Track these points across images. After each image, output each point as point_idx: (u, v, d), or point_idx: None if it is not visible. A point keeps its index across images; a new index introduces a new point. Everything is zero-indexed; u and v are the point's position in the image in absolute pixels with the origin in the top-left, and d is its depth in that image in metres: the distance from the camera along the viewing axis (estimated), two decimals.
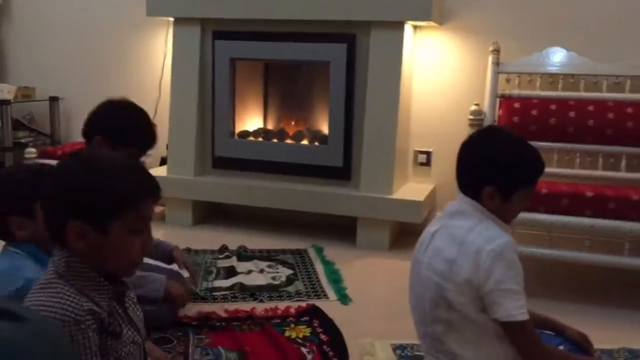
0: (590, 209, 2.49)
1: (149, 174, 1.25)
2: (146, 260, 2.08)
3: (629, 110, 2.90)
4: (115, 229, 1.14)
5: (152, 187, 1.21)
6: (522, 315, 1.44)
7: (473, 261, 1.46)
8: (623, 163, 2.94)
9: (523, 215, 2.50)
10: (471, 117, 3.12)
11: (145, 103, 3.93)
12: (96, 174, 1.15)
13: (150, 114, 3.89)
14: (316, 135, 3.50)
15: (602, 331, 2.27)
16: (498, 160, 1.53)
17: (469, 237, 1.50)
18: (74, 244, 1.14)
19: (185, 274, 2.31)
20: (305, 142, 3.50)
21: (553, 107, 2.99)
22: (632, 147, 2.90)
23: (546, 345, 1.52)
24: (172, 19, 3.56)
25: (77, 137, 4.18)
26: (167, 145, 3.63)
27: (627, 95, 2.95)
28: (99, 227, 1.14)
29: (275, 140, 3.53)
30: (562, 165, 3.04)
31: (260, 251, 3.07)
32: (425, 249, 1.61)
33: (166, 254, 2.24)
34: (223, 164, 3.53)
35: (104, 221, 1.14)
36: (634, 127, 2.87)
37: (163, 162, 3.81)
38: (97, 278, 1.17)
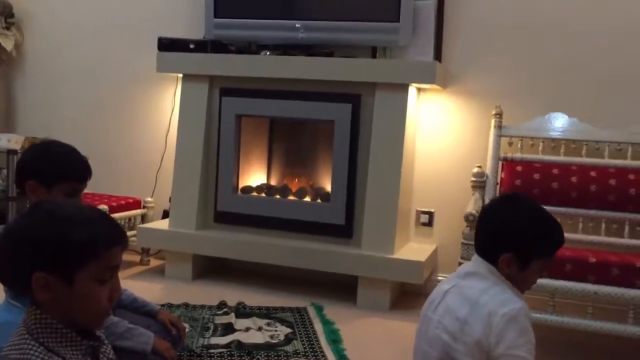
0: (593, 274, 2.47)
1: (114, 222, 1.23)
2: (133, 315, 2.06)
3: (631, 177, 2.91)
4: (81, 279, 1.12)
5: (118, 235, 1.19)
6: None
7: (485, 323, 1.44)
8: (626, 229, 2.94)
9: None
10: (474, 179, 3.15)
11: (151, 156, 4.01)
12: (60, 224, 1.13)
13: (155, 167, 3.97)
14: (319, 193, 3.52)
15: None
16: (519, 227, 1.53)
17: (482, 299, 1.48)
18: (39, 296, 1.12)
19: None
20: (307, 199, 3.51)
21: (555, 171, 3.01)
22: (634, 213, 2.90)
23: None
24: (181, 75, 3.63)
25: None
26: (169, 198, 3.64)
27: (629, 162, 2.97)
28: (65, 278, 1.11)
29: (278, 197, 3.54)
30: (565, 230, 3.02)
31: (259, 308, 3.03)
32: (435, 307, 1.59)
33: (152, 315, 2.18)
34: (225, 218, 3.53)
35: (69, 271, 1.12)
36: (636, 194, 2.88)
37: (165, 215, 3.81)
38: (69, 334, 1.14)
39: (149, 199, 3.91)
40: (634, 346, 2.70)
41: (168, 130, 3.91)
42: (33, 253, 1.11)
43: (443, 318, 1.54)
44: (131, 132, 4.11)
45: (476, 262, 1.58)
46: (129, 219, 3.76)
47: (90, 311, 1.16)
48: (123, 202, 3.75)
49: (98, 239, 1.14)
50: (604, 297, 2.47)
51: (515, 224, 1.54)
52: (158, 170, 3.98)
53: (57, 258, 1.11)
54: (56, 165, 1.86)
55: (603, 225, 2.97)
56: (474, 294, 1.51)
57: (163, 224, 3.61)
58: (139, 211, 3.84)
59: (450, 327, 1.51)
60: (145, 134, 4.06)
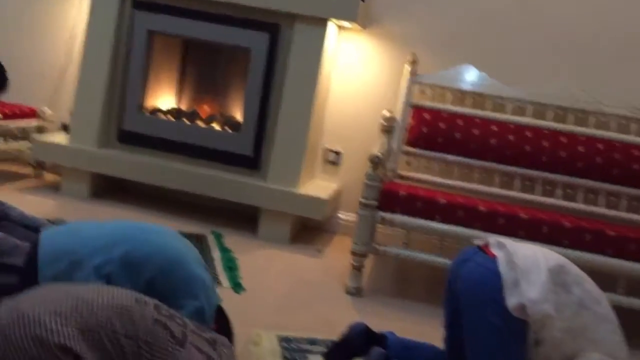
0: (480, 222, 2.60)
1: None
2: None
3: (528, 134, 3.07)
4: None
5: None
6: None
7: None
8: (517, 184, 3.12)
9: (419, 222, 2.59)
10: (383, 122, 3.19)
11: (53, 65, 3.75)
12: None
13: (57, 75, 3.72)
14: (229, 122, 3.46)
15: None
16: None
17: None
18: None
19: None
20: (217, 126, 3.45)
21: (460, 122, 3.11)
22: (527, 169, 3.08)
23: None
24: None
25: None
26: (70, 112, 3.45)
27: (528, 120, 3.12)
28: None
29: (186, 121, 3.44)
30: (461, 180, 3.18)
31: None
32: None
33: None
34: (129, 138, 3.40)
35: None
36: (531, 150, 3.04)
37: (65, 129, 3.62)
38: None
39: (48, 110, 3.69)
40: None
41: (73, 37, 3.67)
42: None
43: None
44: (32, 36, 3.82)
45: None
46: (23, 129, 3.54)
47: None
48: (17, 110, 3.51)
49: None
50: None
51: None
52: (59, 80, 3.75)
53: None
54: None
55: (497, 178, 3.14)
56: None
57: (62, 138, 3.43)
58: (34, 121, 3.62)
59: None
60: (47, 41, 3.79)
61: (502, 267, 1.63)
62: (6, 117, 3.34)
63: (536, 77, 3.19)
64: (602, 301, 1.67)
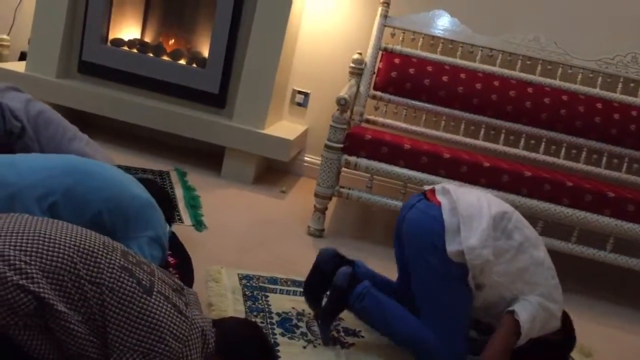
0: (445, 169, 2.63)
1: None
2: None
3: (496, 83, 3.08)
4: None
5: None
6: None
7: None
8: (482, 133, 3.14)
9: (383, 166, 2.60)
10: (352, 65, 3.16)
11: None
12: None
13: (14, 2, 3.55)
14: (195, 57, 3.36)
15: None
16: None
17: None
18: None
19: None
20: (183, 62, 3.35)
21: (429, 68, 3.10)
22: (492, 118, 3.10)
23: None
24: None
25: None
26: (29, 40, 3.31)
27: (496, 69, 3.12)
28: None
29: (151, 55, 3.34)
30: (428, 127, 3.19)
31: (119, 166, 2.93)
32: None
33: None
34: (90, 70, 3.29)
35: None
36: (497, 99, 3.06)
37: (22, 57, 3.48)
38: None
39: (5, 36, 3.53)
40: None
41: None
42: None
43: None
44: None
45: None
46: None
47: None
48: None
49: None
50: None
51: None
52: (17, 6, 3.57)
53: None
54: None
55: (462, 126, 3.15)
56: None
57: (19, 66, 3.30)
58: None
59: None
60: None
61: (445, 214, 1.68)
62: None
63: (507, 26, 3.17)
64: (539, 246, 1.74)
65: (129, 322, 1.19)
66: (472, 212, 1.68)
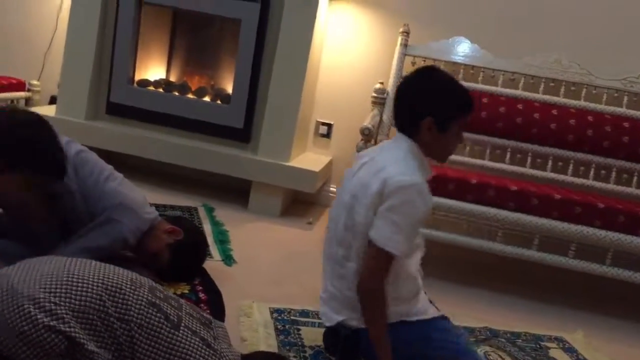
0: (472, 194, 2.61)
1: None
2: None
3: (519, 106, 3.06)
4: None
5: None
6: (388, 247, 1.56)
7: (381, 184, 1.57)
8: (507, 157, 3.12)
9: None
10: (374, 94, 3.18)
11: (40, 36, 3.69)
12: None
13: (44, 48, 3.67)
14: (219, 94, 3.42)
15: (469, 310, 2.42)
16: (434, 91, 1.65)
17: (388, 167, 1.60)
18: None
19: None
20: (207, 99, 3.41)
21: None
22: (518, 141, 3.08)
23: (383, 289, 1.61)
24: None
25: None
26: (58, 84, 3.41)
27: (519, 92, 3.11)
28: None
29: (176, 94, 3.41)
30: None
31: (150, 204, 2.97)
32: (350, 178, 1.71)
33: None
34: (118, 110, 3.37)
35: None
36: (522, 122, 3.04)
37: (53, 101, 3.58)
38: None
39: (35, 82, 3.64)
40: (538, 270, 2.91)
41: (60, 9, 3.61)
42: None
43: (353, 185, 1.67)
44: (18, 6, 3.74)
45: (396, 137, 1.70)
46: (11, 101, 3.50)
47: None
48: (5, 82, 3.47)
49: None
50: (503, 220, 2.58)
51: (431, 88, 1.66)
52: (47, 52, 3.69)
53: None
54: None
55: (488, 151, 3.14)
56: (383, 163, 1.62)
57: (50, 110, 3.39)
58: (22, 93, 3.58)
59: (355, 190, 1.65)
60: (34, 11, 3.72)
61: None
62: None
63: (528, 49, 3.17)
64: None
65: (158, 358, 1.19)
66: None
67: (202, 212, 3.03)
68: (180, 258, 2.10)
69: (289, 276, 2.47)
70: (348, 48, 3.43)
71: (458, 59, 3.18)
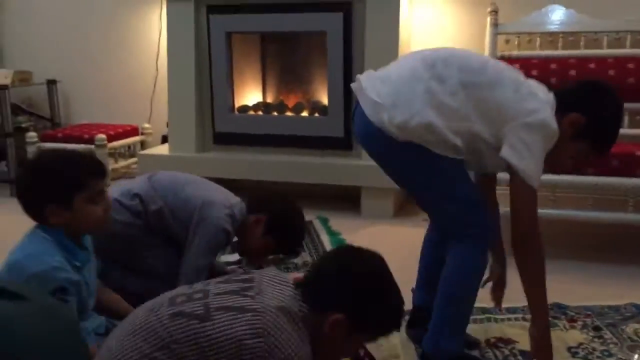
0: (592, 167, 2.48)
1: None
2: None
3: (630, 65, 2.87)
4: None
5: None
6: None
7: None
8: (625, 119, 2.93)
9: None
10: None
11: (143, 82, 3.95)
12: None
13: (149, 92, 3.92)
14: (316, 107, 3.49)
15: (609, 288, 2.29)
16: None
17: None
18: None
19: None
20: (305, 113, 3.49)
21: (554, 66, 2.96)
22: (633, 102, 2.88)
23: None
24: None
25: (77, 119, 4.18)
26: (167, 123, 3.62)
27: (627, 51, 2.92)
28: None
29: (275, 114, 3.51)
30: None
31: None
32: None
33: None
34: (224, 139, 3.52)
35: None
36: (635, 82, 2.85)
37: (164, 140, 3.81)
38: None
39: (146, 125, 3.90)
40: (634, 235, 2.76)
41: (158, 54, 3.84)
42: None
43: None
44: (120, 58, 4.03)
45: None
46: (129, 147, 3.76)
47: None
48: (121, 130, 3.74)
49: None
50: (604, 187, 2.50)
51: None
52: (152, 96, 3.94)
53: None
54: None
55: None
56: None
57: (163, 149, 3.61)
58: (137, 138, 3.84)
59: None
60: (134, 60, 3.99)
61: (368, 112, 1.63)
62: (111, 138, 3.56)
63: (628, 6, 2.97)
64: (486, 68, 1.62)
65: (208, 355, 1.19)
66: (399, 86, 1.61)
67: (317, 224, 3.09)
68: (280, 233, 2.09)
69: (414, 277, 2.45)
70: (436, 38, 3.38)
71: (554, 27, 3.03)
